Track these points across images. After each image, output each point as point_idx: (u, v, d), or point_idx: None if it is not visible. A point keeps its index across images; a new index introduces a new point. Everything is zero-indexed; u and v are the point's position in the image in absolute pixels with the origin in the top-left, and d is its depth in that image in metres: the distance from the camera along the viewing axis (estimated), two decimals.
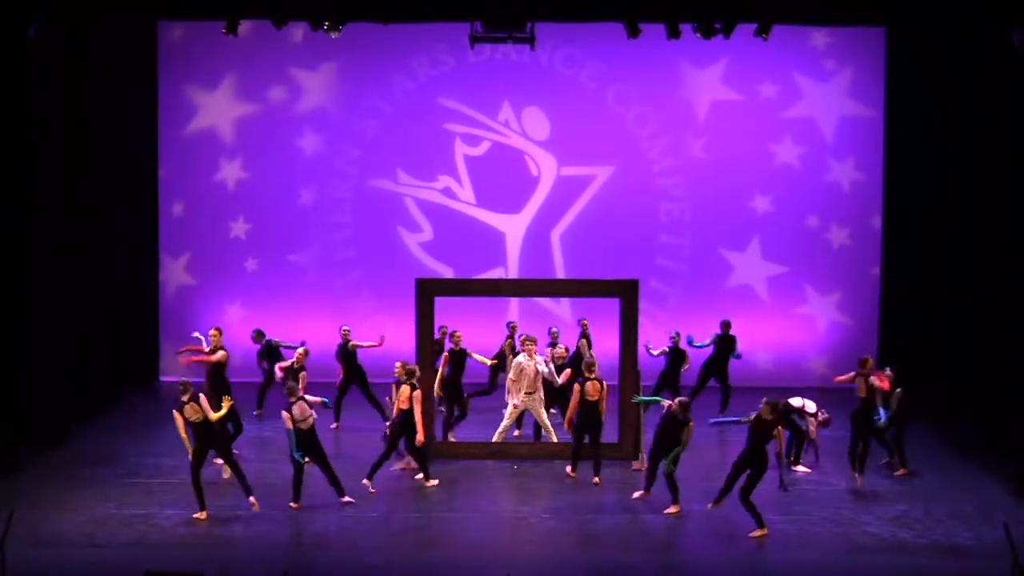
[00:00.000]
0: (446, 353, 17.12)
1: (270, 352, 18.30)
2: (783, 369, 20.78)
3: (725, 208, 21.30)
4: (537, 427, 17.01)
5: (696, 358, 18.82)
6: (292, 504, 14.50)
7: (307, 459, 14.56)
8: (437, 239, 21.44)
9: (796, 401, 16.13)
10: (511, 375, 16.75)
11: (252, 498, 14.32)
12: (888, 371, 15.97)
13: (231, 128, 21.26)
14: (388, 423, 15.65)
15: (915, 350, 19.39)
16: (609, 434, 16.74)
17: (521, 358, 16.59)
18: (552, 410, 17.15)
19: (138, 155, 20.56)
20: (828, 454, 16.57)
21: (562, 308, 21.28)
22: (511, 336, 18.31)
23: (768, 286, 21.41)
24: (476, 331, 18.62)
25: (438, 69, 21.26)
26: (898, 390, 15.76)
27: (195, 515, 14.08)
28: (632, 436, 16.43)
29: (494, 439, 16.84)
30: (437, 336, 17.17)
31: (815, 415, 16.03)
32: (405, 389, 15.27)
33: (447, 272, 21.19)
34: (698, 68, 21.14)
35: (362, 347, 18.10)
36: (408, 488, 15.44)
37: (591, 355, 16.85)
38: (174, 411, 14.25)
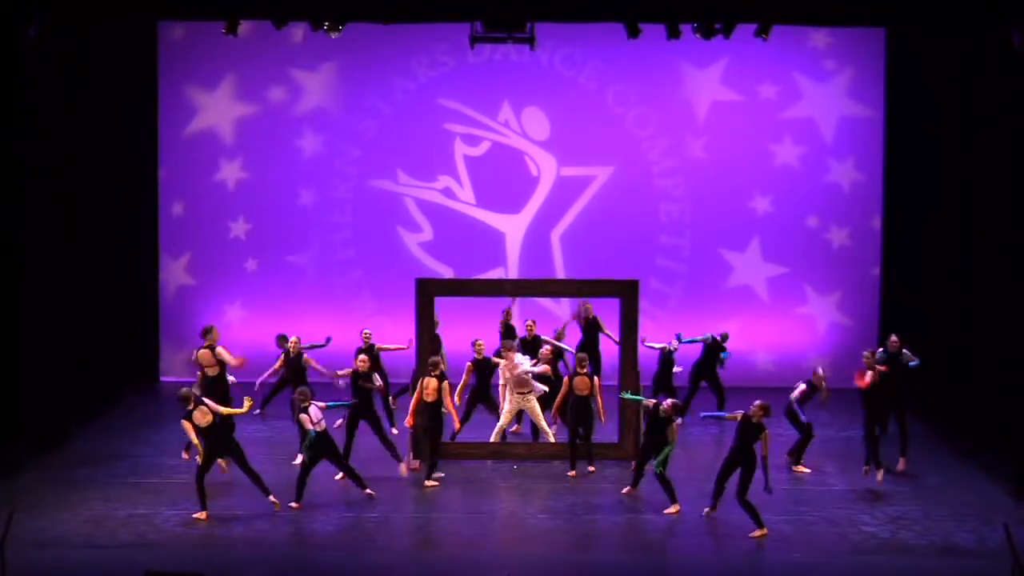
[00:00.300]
0: (469, 363, 16.99)
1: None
2: (783, 369, 20.74)
3: (725, 208, 21.30)
4: (535, 427, 17.01)
5: (686, 360, 18.72)
6: (292, 504, 14.51)
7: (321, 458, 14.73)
8: (437, 239, 21.44)
9: (795, 391, 16.11)
10: (500, 379, 16.84)
11: (272, 497, 14.35)
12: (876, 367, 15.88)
13: (231, 128, 21.26)
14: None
15: (915, 350, 19.34)
16: (609, 434, 16.77)
17: (502, 363, 16.63)
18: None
19: (138, 155, 20.56)
20: (828, 454, 16.57)
21: (562, 308, 21.27)
22: (505, 320, 18.36)
23: (768, 286, 21.41)
24: (476, 331, 18.58)
25: (438, 69, 21.26)
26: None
27: (195, 515, 14.09)
28: (632, 436, 16.43)
29: (492, 439, 16.84)
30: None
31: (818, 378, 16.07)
32: (432, 381, 15.45)
33: (447, 272, 21.19)
34: (698, 68, 21.14)
35: (387, 350, 17.98)
36: (408, 488, 15.43)
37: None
38: (183, 420, 14.28)
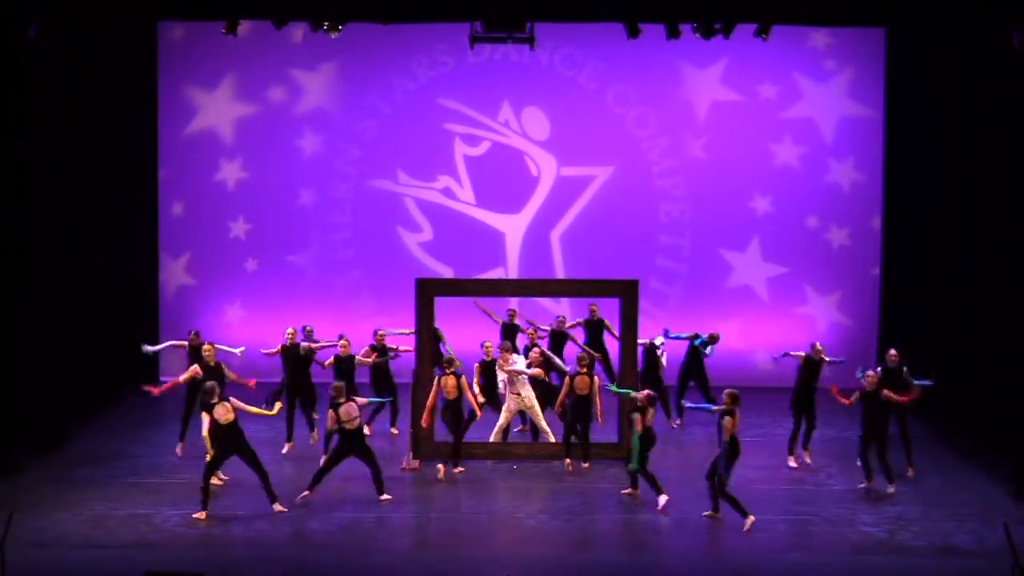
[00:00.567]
0: (477, 364, 17.01)
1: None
2: (783, 369, 20.65)
3: (725, 208, 21.31)
4: (535, 427, 17.02)
5: (673, 358, 18.71)
6: (305, 492, 14.63)
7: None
8: (437, 239, 21.45)
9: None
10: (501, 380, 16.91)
11: (278, 505, 14.33)
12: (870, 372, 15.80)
13: (231, 128, 21.26)
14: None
15: (915, 350, 19.33)
16: (609, 434, 16.76)
17: (499, 363, 16.65)
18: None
19: (138, 155, 20.56)
20: (828, 454, 16.56)
21: (562, 308, 21.27)
22: (510, 320, 18.39)
23: (768, 286, 21.41)
24: (476, 331, 18.62)
25: (438, 69, 21.27)
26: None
27: (195, 515, 14.08)
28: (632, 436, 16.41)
29: (491, 439, 16.85)
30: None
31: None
32: (450, 379, 15.66)
33: (447, 272, 21.19)
34: (698, 68, 21.14)
35: (398, 334, 17.91)
36: (408, 488, 15.43)
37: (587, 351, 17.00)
38: (203, 412, 14.27)
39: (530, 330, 17.88)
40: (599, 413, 16.10)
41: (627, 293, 16.61)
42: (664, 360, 18.19)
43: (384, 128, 21.31)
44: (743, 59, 20.87)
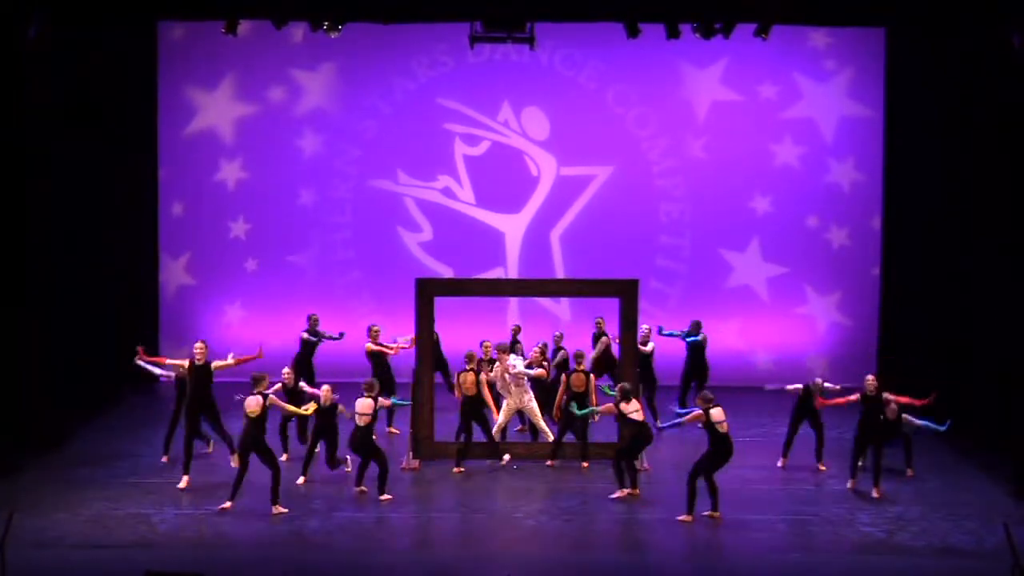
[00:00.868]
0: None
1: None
2: (783, 369, 20.75)
3: (725, 208, 21.31)
4: (534, 427, 17.03)
5: (674, 360, 18.66)
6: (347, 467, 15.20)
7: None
8: (437, 239, 21.45)
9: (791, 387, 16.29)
10: (497, 382, 16.90)
11: (278, 507, 14.32)
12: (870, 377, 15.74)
13: (231, 128, 21.27)
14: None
15: (915, 350, 19.39)
16: (608, 434, 16.76)
17: (496, 366, 16.68)
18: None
19: (138, 155, 20.56)
20: (828, 454, 16.54)
21: (561, 308, 21.29)
22: (514, 338, 18.38)
23: (768, 286, 21.41)
24: (476, 331, 18.62)
25: (437, 69, 21.27)
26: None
27: (221, 506, 14.29)
28: None
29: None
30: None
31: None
32: (469, 376, 15.89)
33: (447, 272, 21.19)
34: (698, 68, 21.14)
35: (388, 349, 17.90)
36: (407, 488, 15.44)
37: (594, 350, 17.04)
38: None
39: (536, 350, 17.73)
40: (593, 404, 16.17)
41: (627, 293, 16.61)
42: (650, 347, 18.00)
43: (384, 128, 21.32)
44: (743, 59, 20.87)
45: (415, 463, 16.23)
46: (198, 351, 15.62)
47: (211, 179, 21.28)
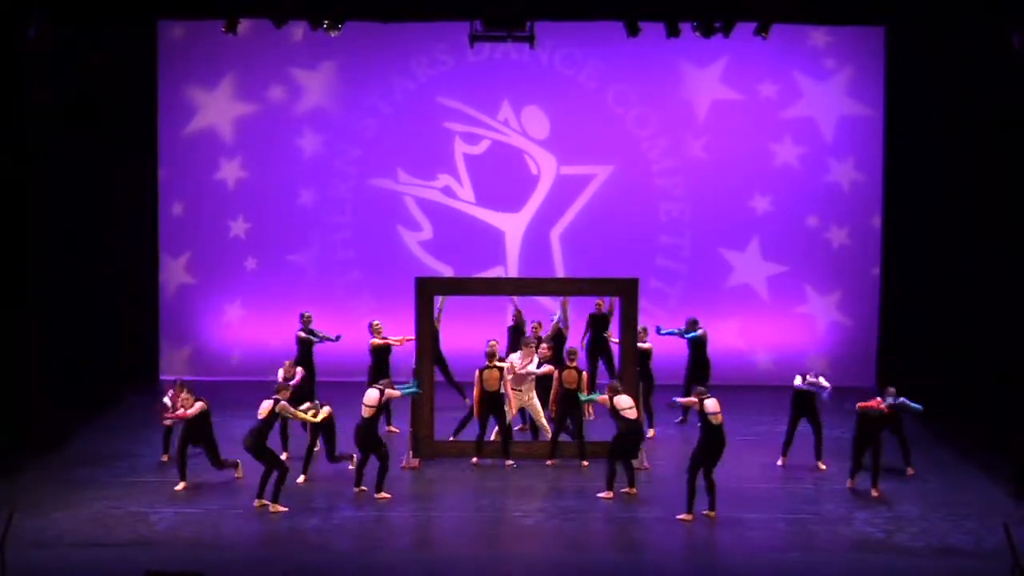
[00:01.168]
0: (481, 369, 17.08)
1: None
2: (783, 369, 20.71)
3: (725, 208, 21.30)
4: (535, 425, 17.04)
5: (676, 360, 18.65)
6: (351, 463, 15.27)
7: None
8: (437, 238, 21.44)
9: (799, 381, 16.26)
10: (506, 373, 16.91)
11: (278, 507, 14.35)
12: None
13: (231, 127, 21.26)
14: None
15: (915, 350, 19.38)
16: (606, 433, 16.74)
17: (513, 357, 16.67)
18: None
19: (138, 155, 20.55)
20: (827, 453, 16.53)
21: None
22: (515, 325, 18.41)
23: (768, 286, 21.41)
24: (475, 330, 18.63)
25: (437, 68, 21.26)
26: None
27: (269, 507, 14.28)
28: None
29: (491, 437, 16.84)
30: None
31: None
32: (494, 372, 16.10)
33: (447, 271, 21.18)
34: (698, 67, 21.13)
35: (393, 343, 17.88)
36: (407, 487, 15.44)
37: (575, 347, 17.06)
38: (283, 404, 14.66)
39: (535, 324, 17.94)
40: (589, 407, 16.19)
41: (627, 292, 16.62)
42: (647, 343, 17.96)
43: (384, 127, 21.31)
44: (743, 58, 20.86)
45: (415, 462, 16.24)
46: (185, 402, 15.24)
47: (211, 178, 21.28)
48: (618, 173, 21.36)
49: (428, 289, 16.69)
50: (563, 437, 16.54)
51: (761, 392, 19.88)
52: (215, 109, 21.16)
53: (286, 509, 14.31)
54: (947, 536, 13.81)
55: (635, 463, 15.77)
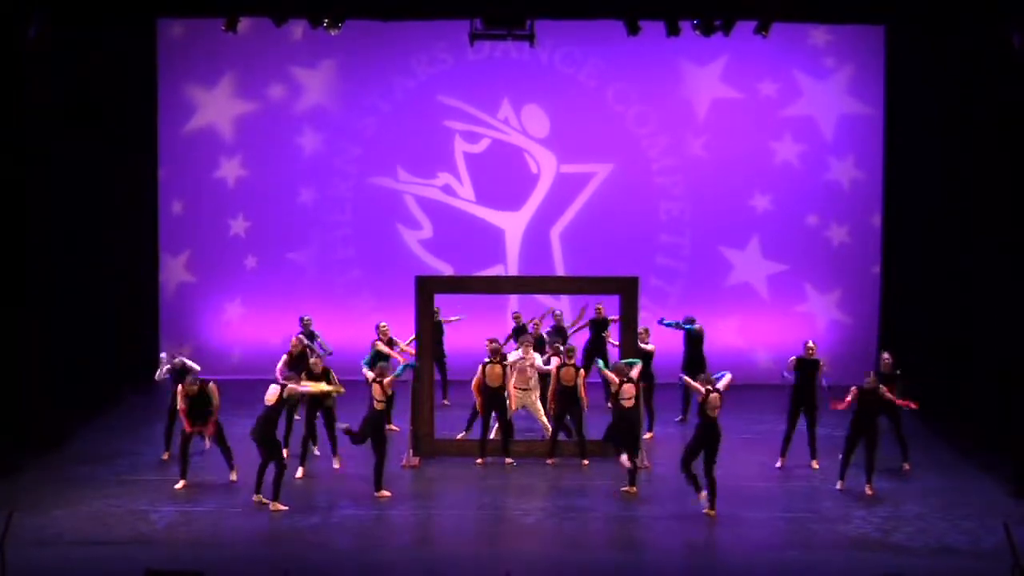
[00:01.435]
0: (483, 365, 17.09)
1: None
2: (783, 367, 20.67)
3: (725, 206, 21.30)
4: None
5: (673, 358, 18.67)
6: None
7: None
8: (437, 236, 21.45)
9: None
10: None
11: (277, 505, 14.35)
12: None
13: (231, 126, 21.26)
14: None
15: (915, 349, 19.36)
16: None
17: (513, 355, 16.67)
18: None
19: (138, 153, 20.55)
20: (825, 452, 16.54)
21: (562, 305, 21.25)
22: (517, 325, 18.42)
23: (768, 284, 21.41)
24: (475, 329, 18.63)
25: (437, 67, 21.26)
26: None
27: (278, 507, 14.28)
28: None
29: (492, 435, 16.85)
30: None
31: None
32: (497, 368, 16.09)
33: (447, 269, 21.18)
34: (698, 66, 21.13)
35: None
36: (407, 485, 15.45)
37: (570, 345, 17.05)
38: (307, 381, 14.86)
39: (536, 320, 18.04)
40: (583, 403, 16.20)
41: (627, 291, 16.62)
42: (650, 347, 17.91)
43: (384, 125, 21.31)
44: (743, 56, 20.85)
45: (415, 460, 16.25)
46: (191, 387, 15.13)
47: (211, 177, 21.28)
48: (618, 172, 21.36)
49: (428, 288, 16.70)
50: (562, 436, 16.55)
51: (761, 391, 19.86)
52: (215, 108, 21.16)
53: (286, 508, 14.31)
54: (946, 535, 13.81)
55: (636, 461, 15.79)
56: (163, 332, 21.17)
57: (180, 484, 15.03)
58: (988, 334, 17.51)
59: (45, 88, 16.89)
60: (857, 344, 20.86)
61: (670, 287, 21.35)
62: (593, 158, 21.38)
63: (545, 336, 18.12)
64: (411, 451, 16.32)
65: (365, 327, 18.81)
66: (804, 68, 21.11)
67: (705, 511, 14.29)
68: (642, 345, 17.18)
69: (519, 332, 18.46)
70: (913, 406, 15.39)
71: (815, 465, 16.15)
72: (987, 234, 17.69)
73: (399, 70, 21.18)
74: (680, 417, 18.53)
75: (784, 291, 21.36)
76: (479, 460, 16.32)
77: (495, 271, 21.32)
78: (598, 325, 18.82)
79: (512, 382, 16.53)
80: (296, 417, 16.38)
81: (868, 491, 15.08)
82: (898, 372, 15.98)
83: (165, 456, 16.25)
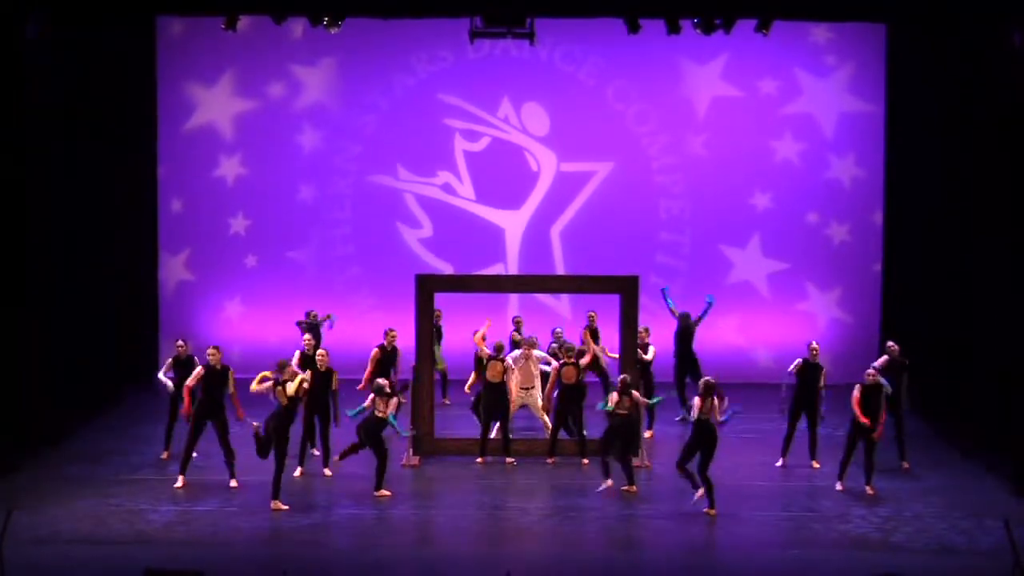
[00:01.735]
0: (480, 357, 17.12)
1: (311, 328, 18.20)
2: (783, 366, 20.55)
3: (725, 205, 21.29)
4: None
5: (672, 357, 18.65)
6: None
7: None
8: (437, 235, 21.43)
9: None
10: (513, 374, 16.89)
11: (277, 503, 14.34)
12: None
13: (230, 124, 21.24)
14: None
15: (915, 347, 19.31)
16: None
17: (511, 356, 16.65)
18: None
19: (137, 152, 20.55)
20: (825, 451, 16.54)
21: (562, 304, 21.27)
22: (517, 331, 18.38)
23: (768, 283, 21.40)
24: (475, 327, 18.58)
25: (437, 65, 21.24)
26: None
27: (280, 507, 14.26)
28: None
29: (492, 435, 16.84)
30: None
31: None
32: (498, 364, 16.10)
33: (446, 268, 21.17)
34: (698, 64, 21.11)
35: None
36: (407, 485, 15.44)
37: (591, 345, 16.96)
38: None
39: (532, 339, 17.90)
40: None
41: (627, 289, 16.61)
42: (651, 354, 17.81)
43: (384, 124, 21.29)
44: (743, 55, 20.84)
45: (415, 460, 16.24)
46: (212, 356, 15.23)
47: (210, 175, 21.27)
48: (618, 170, 21.35)
49: (428, 286, 16.68)
50: (562, 435, 16.54)
51: (761, 390, 19.82)
52: (215, 106, 21.15)
53: (287, 507, 14.30)
54: (946, 535, 13.80)
55: (636, 461, 15.79)
56: (163, 331, 21.16)
57: (179, 482, 15.02)
58: (989, 333, 17.49)
59: (45, 87, 16.89)
60: (858, 343, 20.85)
61: (671, 286, 21.26)
62: (593, 156, 21.36)
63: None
64: (411, 450, 16.31)
65: (364, 325, 18.84)
66: (805, 66, 21.09)
67: (705, 510, 14.28)
68: (641, 355, 17.09)
69: (518, 346, 18.36)
70: (880, 427, 15.16)
71: (815, 464, 16.14)
72: (988, 233, 17.67)
73: (399, 68, 21.16)
74: (681, 416, 18.51)
75: (784, 289, 21.35)
76: (479, 459, 16.31)
77: (495, 270, 21.31)
78: (593, 334, 18.66)
79: (515, 382, 16.52)
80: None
81: (868, 491, 15.07)
82: (906, 361, 15.95)
83: (165, 456, 16.24)
